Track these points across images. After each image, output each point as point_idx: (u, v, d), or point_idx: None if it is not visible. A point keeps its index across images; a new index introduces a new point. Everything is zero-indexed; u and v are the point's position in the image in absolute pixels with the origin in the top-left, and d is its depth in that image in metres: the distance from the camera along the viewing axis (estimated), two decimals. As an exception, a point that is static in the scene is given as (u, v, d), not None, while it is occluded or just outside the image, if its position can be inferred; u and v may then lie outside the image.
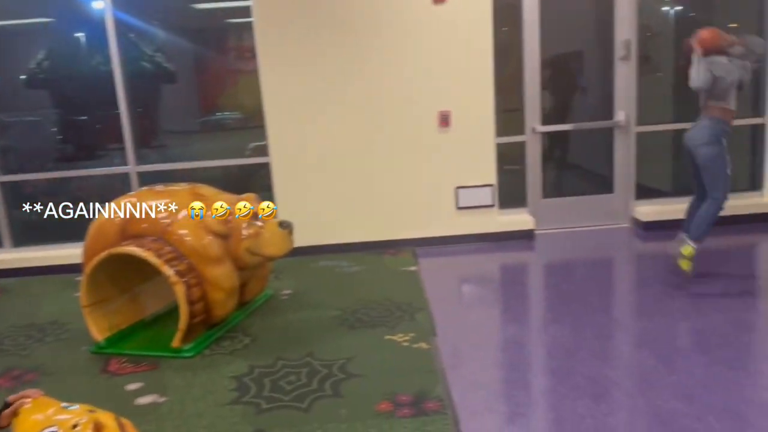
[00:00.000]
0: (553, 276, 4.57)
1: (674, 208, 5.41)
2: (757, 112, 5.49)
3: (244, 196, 3.83)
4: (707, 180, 3.91)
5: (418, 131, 5.18)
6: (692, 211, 4.09)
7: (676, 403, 2.61)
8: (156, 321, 3.87)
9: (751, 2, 5.41)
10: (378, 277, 4.54)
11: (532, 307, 3.94)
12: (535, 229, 5.47)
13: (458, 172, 5.27)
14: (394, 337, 3.44)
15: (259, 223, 3.59)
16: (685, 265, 3.92)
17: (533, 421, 2.57)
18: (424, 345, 3.30)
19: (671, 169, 5.89)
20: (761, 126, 5.47)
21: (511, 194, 5.56)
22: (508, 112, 5.53)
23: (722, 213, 4.01)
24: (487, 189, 5.30)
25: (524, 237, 5.39)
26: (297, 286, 4.49)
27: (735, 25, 5.54)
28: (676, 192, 5.62)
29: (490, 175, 5.28)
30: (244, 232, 3.54)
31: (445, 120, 5.14)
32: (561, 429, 2.49)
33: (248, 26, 5.09)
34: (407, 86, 5.11)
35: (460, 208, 5.32)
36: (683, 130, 5.58)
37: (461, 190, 5.28)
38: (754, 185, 5.60)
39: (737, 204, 5.42)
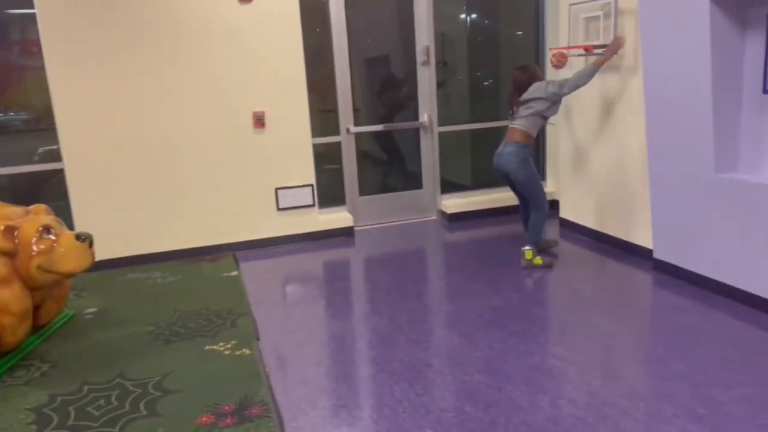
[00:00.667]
0: (372, 269, 4.78)
1: (475, 200, 6.00)
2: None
3: (32, 207, 3.44)
4: (528, 195, 4.44)
5: (233, 133, 5.07)
6: (524, 217, 4.61)
7: (479, 376, 2.90)
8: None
9: (528, 15, 6.14)
10: (196, 286, 4.35)
11: (353, 301, 4.08)
12: (354, 226, 5.66)
13: (277, 173, 5.26)
14: (215, 347, 3.33)
15: (52, 237, 3.24)
16: (538, 261, 4.40)
17: (355, 411, 2.68)
18: (246, 351, 3.25)
19: (470, 165, 6.47)
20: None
21: (331, 193, 5.70)
22: (326, 113, 5.66)
23: (549, 211, 4.52)
24: (307, 189, 5.36)
25: (344, 234, 5.55)
26: (103, 303, 4.12)
27: (520, 32, 6.26)
28: (476, 186, 6.21)
29: (309, 175, 5.35)
30: (35, 248, 3.17)
31: (260, 121, 5.09)
32: (380, 415, 2.63)
33: (32, 17, 4.55)
34: (218, 87, 4.97)
35: (280, 209, 5.32)
36: (479, 130, 6.27)
37: (281, 191, 5.28)
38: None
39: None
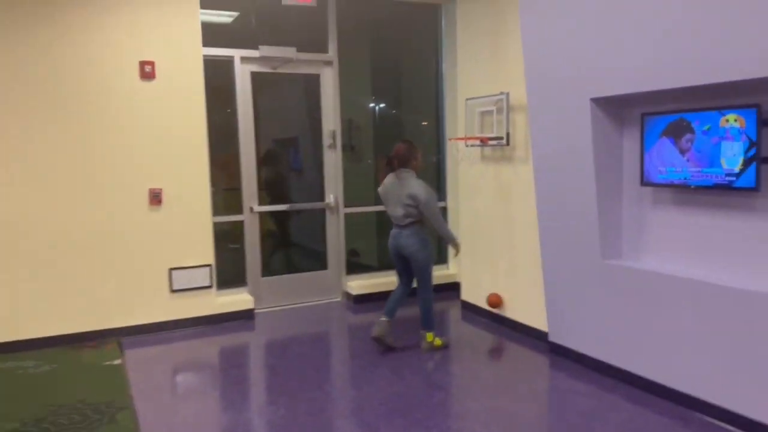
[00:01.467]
0: (271, 355, 4.57)
1: (380, 281, 5.99)
2: (440, 198, 6.45)
3: None
4: (420, 276, 4.41)
5: (126, 209, 4.82)
6: (394, 296, 4.48)
7: (379, 470, 2.76)
8: None
9: (429, 106, 6.47)
10: (73, 376, 3.97)
11: (249, 391, 3.84)
12: (255, 309, 5.45)
13: (172, 253, 5.01)
14: (89, 445, 3.00)
15: None
16: (438, 342, 4.45)
17: None
18: (124, 450, 2.94)
19: (375, 246, 6.52)
20: (445, 209, 6.43)
21: (233, 273, 5.51)
22: (231, 191, 5.55)
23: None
24: (205, 269, 5.13)
25: (244, 317, 5.32)
26: (-40, 397, 3.64)
27: (425, 123, 6.55)
28: (381, 267, 6.23)
29: (208, 255, 5.15)
30: None
31: (156, 198, 4.89)
32: None
33: None
34: (113, 162, 4.76)
35: (174, 291, 5.03)
36: (384, 211, 6.35)
37: (176, 272, 5.02)
38: (442, 259, 6.50)
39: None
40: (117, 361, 4.23)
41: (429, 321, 4.46)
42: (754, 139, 2.94)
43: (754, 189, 2.95)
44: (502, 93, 4.65)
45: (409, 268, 4.47)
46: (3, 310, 4.48)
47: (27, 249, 4.54)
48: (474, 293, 5.40)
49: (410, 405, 3.49)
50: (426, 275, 4.42)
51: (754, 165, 2.95)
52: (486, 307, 5.16)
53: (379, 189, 4.53)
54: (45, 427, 3.22)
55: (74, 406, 3.49)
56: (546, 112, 4.09)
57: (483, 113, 4.95)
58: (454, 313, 5.49)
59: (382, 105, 6.52)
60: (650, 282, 3.50)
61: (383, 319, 4.38)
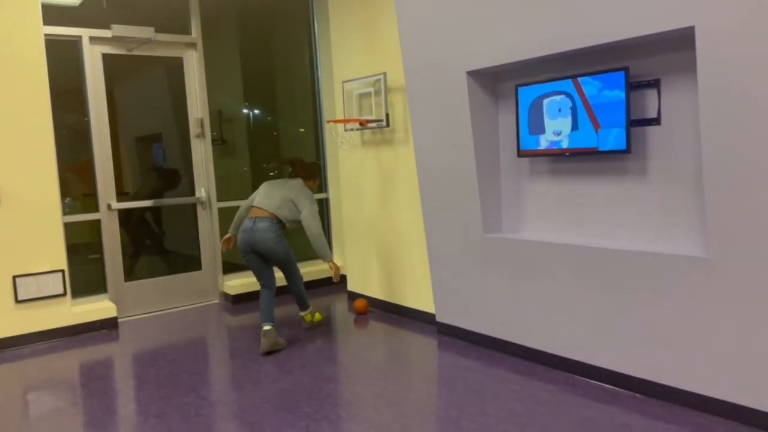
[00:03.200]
0: (139, 365, 4.10)
1: (259, 278, 5.66)
2: (322, 189, 6.25)
3: None
4: (284, 267, 4.29)
5: (-47, 211, 4.13)
6: (266, 302, 4.15)
7: (266, 470, 2.50)
8: None
9: (306, 91, 6.25)
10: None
11: (114, 404, 3.39)
12: (118, 317, 4.90)
13: (15, 258, 4.37)
14: None
15: None
16: (318, 317, 4.62)
17: None
18: (-49, 486, 2.43)
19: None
20: (326, 200, 6.23)
21: (94, 282, 4.94)
22: (90, 196, 4.99)
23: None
24: (57, 275, 4.54)
25: (105, 327, 4.77)
26: None
27: (299, 107, 6.32)
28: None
29: (59, 260, 4.55)
30: None
31: (-8, 196, 4.24)
32: None
33: None
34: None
35: (20, 302, 4.39)
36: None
37: (21, 279, 4.38)
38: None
39: (316, 270, 6.01)
40: (-54, 387, 3.57)
41: (303, 302, 4.51)
42: (624, 102, 3.04)
43: (625, 151, 3.05)
44: (379, 74, 4.55)
45: (266, 265, 4.20)
46: None
47: None
48: (361, 283, 5.26)
49: (298, 399, 3.25)
50: (291, 265, 4.32)
51: (624, 128, 3.05)
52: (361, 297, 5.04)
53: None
54: None
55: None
56: (424, 90, 4.04)
57: (361, 96, 4.82)
58: (342, 305, 5.30)
59: (254, 93, 6.19)
60: (529, 251, 3.54)
61: (267, 328, 4.06)
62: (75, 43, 4.80)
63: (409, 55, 4.11)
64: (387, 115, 4.53)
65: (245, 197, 5.88)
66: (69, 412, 3.34)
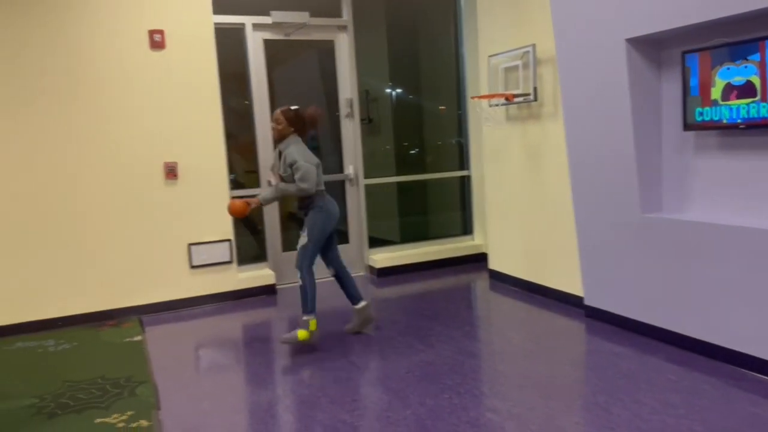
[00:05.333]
0: (294, 329, 4.41)
1: (404, 254, 5.81)
2: (464, 166, 6.23)
3: None
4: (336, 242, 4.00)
5: (141, 184, 4.69)
6: (343, 281, 4.02)
7: (411, 437, 2.59)
8: None
9: (450, 67, 6.23)
10: (92, 354, 3.87)
11: (272, 363, 3.70)
12: (276, 284, 5.30)
13: (191, 228, 4.88)
14: (108, 420, 2.88)
15: None
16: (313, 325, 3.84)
17: (269, 486, 2.29)
18: (144, 422, 2.82)
19: (397, 221, 6.34)
20: (468, 178, 6.21)
21: (252, 253, 5.38)
22: (251, 173, 5.42)
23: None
24: (224, 244, 5.00)
25: (265, 293, 5.18)
26: (-21, 376, 3.56)
27: (442, 85, 6.32)
28: (403, 240, 6.07)
29: (227, 230, 5.01)
30: None
31: (171, 172, 4.76)
32: (298, 488, 2.26)
33: None
34: (126, 136, 4.63)
35: (194, 267, 4.91)
36: (406, 186, 6.19)
37: (195, 247, 4.89)
38: (466, 230, 6.28)
39: (455, 247, 6.03)
40: (137, 338, 4.13)
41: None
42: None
43: (814, 123, 2.69)
44: (527, 46, 4.40)
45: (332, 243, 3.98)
46: (24, 290, 4.40)
47: (46, 228, 4.44)
48: (502, 262, 5.18)
49: (440, 372, 3.31)
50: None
51: (811, 98, 2.68)
52: (515, 275, 4.96)
53: (309, 156, 3.78)
54: (63, 402, 3.11)
55: (93, 381, 3.38)
56: (577, 61, 3.84)
57: (507, 70, 4.70)
58: (483, 284, 5.28)
59: (399, 73, 6.28)
60: (694, 233, 3.25)
61: (359, 306, 4.02)
62: (239, 31, 5.19)
63: (561, 24, 3.93)
64: (535, 88, 4.38)
65: (390, 174, 6.06)
66: (233, 368, 3.70)
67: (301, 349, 3.83)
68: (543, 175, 4.53)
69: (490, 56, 4.85)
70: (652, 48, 3.49)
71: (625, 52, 3.42)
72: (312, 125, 3.96)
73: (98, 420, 2.88)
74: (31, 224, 4.41)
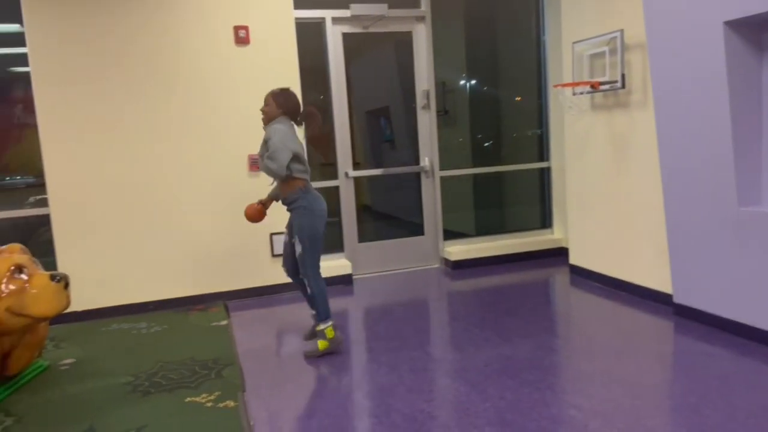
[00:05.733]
0: (371, 318, 4.48)
1: (480, 247, 5.75)
2: (543, 158, 6.08)
3: (6, 247, 3.21)
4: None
5: (227, 176, 4.89)
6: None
7: (491, 429, 2.57)
8: None
9: (530, 55, 6.08)
10: (182, 336, 4.07)
11: (350, 351, 3.76)
12: (353, 274, 5.39)
13: (273, 218, 5.00)
14: (197, 399, 3.03)
15: (24, 277, 3.00)
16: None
17: (350, 470, 2.34)
18: (230, 403, 2.94)
19: (472, 213, 6.27)
20: (547, 169, 6.05)
21: (328, 243, 5.46)
22: (326, 166, 5.52)
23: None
24: (302, 235, 5.12)
25: (342, 282, 5.27)
26: (81, 354, 3.83)
27: (519, 98, 6.20)
28: (478, 233, 6.00)
29: (305, 221, 5.12)
30: (4, 288, 2.92)
31: (255, 164, 4.92)
32: (379, 473, 2.29)
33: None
34: (212, 129, 4.82)
35: (276, 256, 5.06)
36: (481, 178, 6.11)
37: (277, 237, 5.04)
38: (545, 224, 6.14)
39: (532, 240, 5.91)
40: (223, 323, 4.31)
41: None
42: None
43: None
44: (614, 31, 4.22)
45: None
46: (119, 275, 4.69)
47: (140, 217, 4.71)
48: (584, 257, 5.03)
49: (519, 367, 3.25)
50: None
51: None
52: (596, 270, 4.80)
53: (291, 139, 3.47)
54: (156, 381, 3.30)
55: (183, 362, 3.56)
56: (669, 46, 3.65)
57: (592, 57, 4.53)
58: (562, 279, 5.14)
59: (476, 63, 6.19)
60: (801, 230, 3.03)
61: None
62: (318, 25, 5.28)
63: (652, 7, 3.74)
64: (623, 75, 4.20)
65: (465, 167, 6.00)
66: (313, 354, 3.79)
67: (376, 339, 3.87)
68: (630, 165, 4.34)
69: (574, 43, 4.69)
70: (752, 30, 3.27)
71: (723, 35, 3.22)
72: (305, 119, 3.71)
73: (188, 399, 3.03)
74: (127, 214, 4.69)
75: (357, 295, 5.05)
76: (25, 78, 4.72)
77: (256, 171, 4.93)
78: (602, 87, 4.36)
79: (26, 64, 4.50)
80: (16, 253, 3.17)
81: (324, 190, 5.40)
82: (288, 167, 3.42)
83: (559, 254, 5.73)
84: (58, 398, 3.15)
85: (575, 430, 2.54)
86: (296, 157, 3.47)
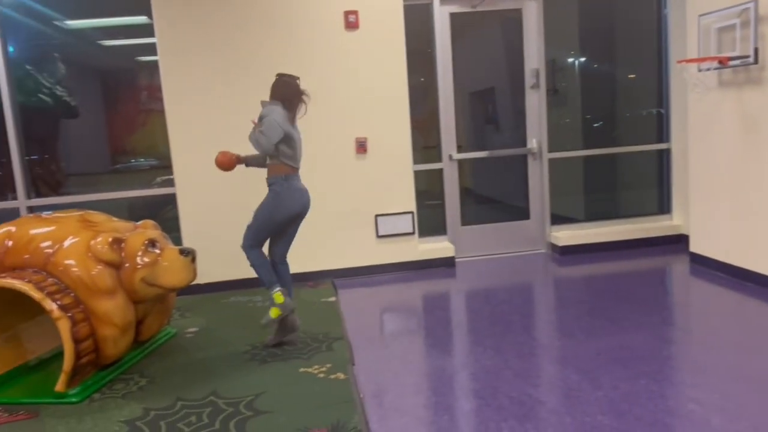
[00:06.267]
0: (475, 301, 4.46)
1: (590, 232, 5.54)
2: (662, 139, 5.72)
3: (140, 222, 3.52)
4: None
5: (335, 158, 5.03)
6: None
7: (603, 418, 2.50)
8: (41, 365, 3.41)
9: (648, 32, 5.72)
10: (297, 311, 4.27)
11: (454, 332, 3.79)
12: (455, 257, 5.38)
13: (377, 200, 5.14)
14: (310, 369, 3.18)
15: (157, 251, 3.27)
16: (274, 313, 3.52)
17: (457, 448, 2.37)
18: (341, 375, 3.06)
19: (582, 197, 6.03)
20: (667, 151, 5.70)
21: (429, 226, 5.50)
22: (428, 149, 5.53)
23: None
24: (407, 216, 5.19)
25: (445, 264, 5.29)
26: (204, 323, 4.13)
27: (632, 76, 5.85)
28: (588, 218, 5.77)
29: (410, 203, 5.18)
30: (139, 261, 3.20)
31: (362, 147, 5.03)
32: (487, 453, 2.31)
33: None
34: (322, 112, 4.96)
35: (380, 237, 5.17)
36: (592, 160, 5.85)
37: (381, 218, 5.14)
38: (663, 209, 5.79)
39: (648, 227, 5.60)
40: (331, 299, 4.47)
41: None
42: None
43: None
44: (747, 2, 3.88)
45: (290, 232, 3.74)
46: (238, 252, 4.97)
47: (251, 200, 4.96)
48: (708, 245, 4.69)
49: (634, 357, 3.12)
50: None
51: None
52: (719, 259, 4.47)
53: (286, 124, 3.54)
54: (272, 352, 3.49)
55: (297, 334, 3.74)
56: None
57: (721, 30, 4.19)
58: (681, 268, 4.85)
59: (590, 39, 5.90)
60: None
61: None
62: (425, 7, 5.26)
63: (794, -28, 3.39)
64: (756, 50, 3.85)
65: (574, 149, 5.76)
66: (418, 333, 3.85)
67: (480, 322, 3.86)
68: (761, 148, 3.99)
69: (700, 16, 4.35)
70: None
71: None
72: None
73: (302, 369, 3.19)
74: (243, 194, 4.95)
75: (459, 278, 5.05)
76: (149, 67, 5.11)
77: (362, 153, 5.04)
78: (732, 63, 4.02)
79: (150, 54, 4.86)
80: (149, 228, 3.46)
81: (426, 173, 5.45)
82: (276, 147, 3.45)
83: (677, 241, 5.40)
84: (185, 363, 3.43)
85: (696, 425, 2.41)
86: (287, 140, 3.50)
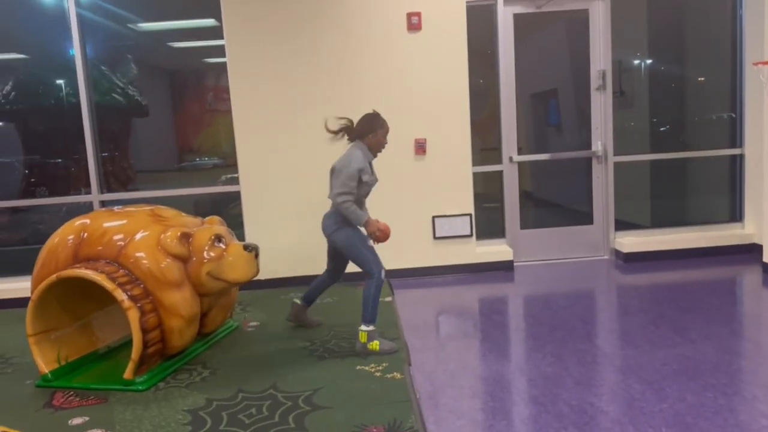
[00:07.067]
0: (534, 306, 4.39)
1: (656, 239, 5.35)
2: (735, 143, 5.47)
3: (207, 218, 3.64)
4: (355, 261, 3.63)
5: (394, 159, 5.03)
6: (318, 283, 3.93)
7: (668, 431, 2.41)
8: (110, 353, 3.58)
9: (721, 32, 5.48)
10: (351, 308, 4.31)
11: (513, 337, 3.73)
12: (514, 261, 5.31)
13: (435, 201, 5.13)
14: (366, 367, 3.21)
15: (222, 246, 3.37)
16: (374, 347, 3.42)
17: (515, 453, 2.34)
18: (397, 375, 3.07)
19: (648, 202, 5.83)
20: (740, 157, 5.44)
21: (487, 229, 5.45)
22: (486, 151, 5.48)
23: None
24: (465, 218, 5.15)
25: (503, 268, 5.22)
26: (265, 318, 4.24)
27: (701, 79, 5.62)
28: (654, 224, 5.57)
29: (468, 205, 5.15)
30: (206, 255, 3.32)
31: (421, 148, 5.03)
32: (546, 461, 2.27)
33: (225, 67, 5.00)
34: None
35: (437, 238, 5.16)
36: (660, 164, 5.65)
37: (438, 220, 5.13)
38: (735, 217, 5.54)
39: (718, 235, 5.37)
40: (388, 299, 4.49)
41: (367, 313, 3.48)
42: None
43: None
44: (835, -2, 3.66)
45: (334, 254, 3.81)
46: (298, 249, 5.08)
47: (316, 197, 5.05)
48: (781, 254, 4.46)
49: (702, 369, 3.00)
50: (357, 260, 3.58)
51: None
52: None
53: (364, 176, 3.67)
54: (330, 348, 3.55)
55: (354, 332, 3.77)
56: None
57: (804, 28, 3.97)
58: (753, 278, 4.62)
59: (659, 40, 5.70)
60: None
61: (296, 301, 3.96)
62: (488, 8, 5.22)
63: None
64: (844, 49, 3.63)
65: (642, 152, 5.59)
66: (475, 336, 3.82)
67: (540, 328, 3.79)
68: None
69: (780, 14, 4.14)
70: None
71: None
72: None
73: (358, 367, 3.22)
74: (307, 194, 5.05)
75: (518, 282, 4.97)
76: (215, 68, 5.28)
77: (421, 155, 5.04)
78: (817, 62, 3.80)
79: (217, 56, 5.02)
80: (215, 224, 3.58)
81: (484, 175, 5.40)
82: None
83: (749, 251, 5.15)
84: (246, 356, 3.52)
85: (770, 444, 2.29)
86: (359, 185, 3.63)
